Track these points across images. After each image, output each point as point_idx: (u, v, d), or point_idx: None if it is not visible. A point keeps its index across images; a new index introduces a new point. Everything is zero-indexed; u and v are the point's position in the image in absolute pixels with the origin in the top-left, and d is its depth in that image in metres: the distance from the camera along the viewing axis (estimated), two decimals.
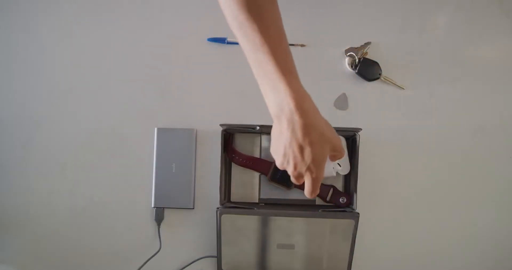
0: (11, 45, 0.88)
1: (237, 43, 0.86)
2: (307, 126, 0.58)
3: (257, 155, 0.84)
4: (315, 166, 0.60)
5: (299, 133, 0.58)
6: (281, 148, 0.60)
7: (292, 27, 0.86)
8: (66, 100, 0.87)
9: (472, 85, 0.86)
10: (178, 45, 0.87)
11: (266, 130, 0.81)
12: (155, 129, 0.85)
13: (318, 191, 0.62)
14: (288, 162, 0.60)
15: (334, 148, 0.60)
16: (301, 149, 0.59)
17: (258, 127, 0.77)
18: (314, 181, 0.61)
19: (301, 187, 0.82)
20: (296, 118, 0.57)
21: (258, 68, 0.59)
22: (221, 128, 0.78)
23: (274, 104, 0.59)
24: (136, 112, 0.87)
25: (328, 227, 0.77)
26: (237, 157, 0.83)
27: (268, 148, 0.84)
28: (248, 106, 0.86)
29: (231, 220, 0.77)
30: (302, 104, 0.58)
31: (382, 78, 0.85)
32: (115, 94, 0.87)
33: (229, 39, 0.86)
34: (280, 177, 0.82)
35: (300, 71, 0.89)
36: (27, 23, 0.88)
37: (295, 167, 0.60)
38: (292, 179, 0.62)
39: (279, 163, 0.61)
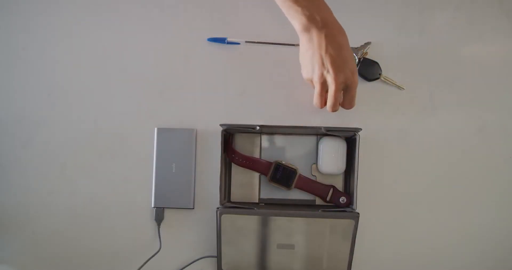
0: (11, 45, 0.88)
1: (237, 43, 0.87)
2: (337, 30, 0.69)
3: (257, 155, 0.84)
4: (354, 71, 0.70)
5: (332, 35, 0.68)
6: (316, 58, 0.69)
7: (292, 27, 0.87)
8: (66, 100, 0.87)
9: (472, 85, 0.86)
10: (178, 45, 0.87)
11: (266, 130, 0.81)
12: (155, 129, 0.85)
13: (352, 107, 0.74)
14: (327, 68, 0.68)
15: (353, 70, 0.70)
16: (337, 48, 0.68)
17: (258, 127, 0.77)
18: (354, 86, 0.71)
19: (301, 187, 0.83)
20: (329, 24, 0.68)
21: None
22: (221, 128, 0.78)
23: (303, 18, 0.68)
24: (136, 112, 0.87)
25: (328, 227, 0.77)
26: (236, 158, 0.83)
27: (268, 149, 0.84)
28: (248, 106, 0.86)
29: (231, 220, 0.77)
30: (331, 15, 0.69)
31: (382, 78, 0.85)
32: (115, 94, 0.87)
33: (229, 39, 0.86)
34: (280, 177, 0.82)
35: (300, 71, 0.89)
36: (27, 23, 0.88)
37: (335, 69, 0.68)
38: (332, 91, 0.70)
39: (316, 74, 0.70)
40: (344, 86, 0.71)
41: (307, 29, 0.69)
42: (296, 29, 0.70)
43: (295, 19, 0.69)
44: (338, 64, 0.68)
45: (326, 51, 0.68)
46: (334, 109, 0.72)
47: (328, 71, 0.69)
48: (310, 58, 0.70)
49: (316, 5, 0.68)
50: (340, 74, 0.69)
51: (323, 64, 0.69)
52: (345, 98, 0.73)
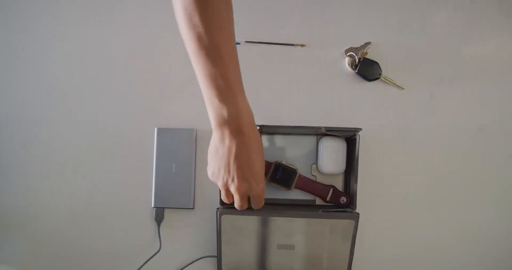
0: (11, 45, 0.88)
1: (238, 43, 0.86)
2: (252, 138, 0.63)
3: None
4: (261, 181, 0.66)
5: (245, 144, 0.62)
6: (223, 161, 0.64)
7: (292, 27, 0.87)
8: (66, 100, 0.87)
9: (472, 85, 0.86)
10: (178, 45, 0.87)
11: (266, 130, 0.81)
12: (155, 129, 0.85)
13: (260, 207, 0.70)
14: (232, 176, 0.64)
15: (258, 180, 0.66)
16: (248, 158, 0.63)
17: (258, 127, 0.77)
18: (260, 196, 0.68)
19: (301, 187, 0.83)
20: (244, 130, 0.62)
21: (208, 81, 0.60)
22: None
23: (220, 115, 0.61)
24: (136, 112, 0.87)
25: (328, 227, 0.77)
26: None
27: (268, 149, 0.84)
28: None
29: (231, 220, 0.77)
30: (249, 117, 0.63)
31: (382, 78, 0.85)
32: (115, 94, 0.87)
33: None
34: (280, 178, 0.82)
35: (300, 71, 0.89)
36: (27, 23, 0.88)
37: (240, 180, 0.64)
38: (237, 198, 0.67)
39: (220, 178, 0.66)
40: (249, 195, 0.68)
41: (220, 128, 0.63)
42: (210, 120, 0.64)
43: (212, 114, 0.63)
44: (244, 174, 0.64)
45: (235, 159, 0.63)
46: (242, 208, 0.69)
47: (232, 180, 0.65)
48: (218, 160, 0.65)
49: (237, 106, 0.61)
50: (243, 185, 0.65)
51: (229, 171, 0.64)
52: (252, 201, 0.69)
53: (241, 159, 0.63)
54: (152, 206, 0.85)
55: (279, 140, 0.84)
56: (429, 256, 0.85)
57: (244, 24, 0.86)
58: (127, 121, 0.87)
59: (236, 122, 0.61)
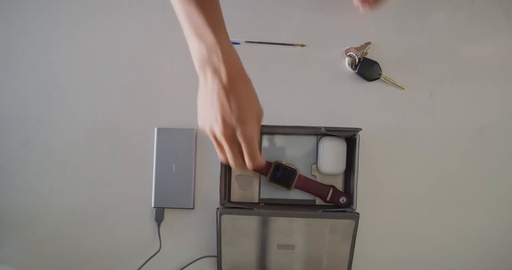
0: (11, 45, 0.88)
1: (237, 43, 0.87)
2: (234, 76, 0.57)
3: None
4: (245, 122, 0.58)
5: (225, 82, 0.57)
6: (208, 104, 0.58)
7: (292, 27, 0.87)
8: (66, 100, 0.87)
9: (472, 85, 0.86)
10: (178, 45, 0.87)
11: (266, 130, 0.81)
12: (155, 129, 0.85)
13: (256, 162, 0.60)
14: (216, 118, 0.57)
15: (259, 115, 0.60)
16: (228, 97, 0.57)
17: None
18: (247, 140, 0.58)
19: (301, 187, 0.83)
20: (223, 68, 0.57)
21: (186, 20, 0.58)
22: None
23: (200, 55, 0.58)
24: (136, 112, 0.87)
25: (328, 227, 0.77)
26: None
27: (268, 148, 0.84)
28: None
29: (231, 220, 0.77)
30: (230, 56, 0.58)
31: (382, 78, 0.85)
32: (115, 94, 0.87)
33: None
34: (280, 178, 0.82)
35: (300, 71, 0.89)
36: (27, 23, 0.88)
37: (223, 121, 0.57)
38: (225, 145, 0.59)
39: (207, 123, 0.59)
40: (238, 140, 0.59)
41: (202, 69, 0.58)
42: (194, 64, 0.60)
43: (194, 55, 0.59)
44: (226, 115, 0.57)
45: (217, 99, 0.57)
46: (237, 165, 0.61)
47: (216, 123, 0.58)
48: (203, 105, 0.60)
49: (215, 44, 0.57)
50: (227, 128, 0.58)
51: (212, 114, 0.58)
52: (245, 153, 0.60)
53: (221, 99, 0.57)
54: (152, 206, 0.85)
55: (279, 140, 0.84)
56: (429, 256, 0.85)
57: (244, 24, 0.86)
58: (127, 121, 0.87)
59: (216, 59, 0.57)
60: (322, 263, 0.79)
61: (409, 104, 0.85)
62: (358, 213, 0.76)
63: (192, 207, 0.84)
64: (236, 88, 0.58)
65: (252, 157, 0.60)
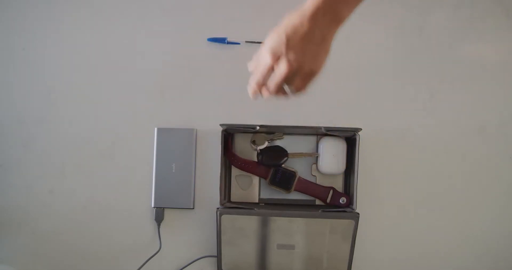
0: (11, 45, 0.88)
1: (238, 43, 0.87)
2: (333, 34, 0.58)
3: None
4: (320, 65, 0.59)
5: (329, 32, 0.57)
6: (299, 33, 0.56)
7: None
8: (66, 100, 0.87)
9: (472, 85, 0.86)
10: (178, 45, 0.87)
11: (266, 130, 0.81)
12: (155, 129, 0.85)
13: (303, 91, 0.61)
14: (296, 43, 0.57)
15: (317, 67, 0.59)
16: (323, 41, 0.57)
17: (258, 127, 0.77)
18: (312, 75, 0.59)
19: (301, 190, 0.83)
20: (340, 21, 0.57)
21: None
22: (221, 128, 0.78)
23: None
24: (136, 112, 0.87)
25: (328, 227, 0.77)
26: (235, 161, 0.83)
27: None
28: (248, 106, 0.86)
29: (231, 220, 0.77)
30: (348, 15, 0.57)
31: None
32: (115, 94, 0.87)
33: (229, 39, 0.86)
34: (279, 181, 0.82)
35: None
36: (27, 23, 0.88)
37: (304, 53, 0.57)
38: (285, 69, 0.57)
39: (281, 44, 0.57)
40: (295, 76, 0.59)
41: (323, 9, 0.56)
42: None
43: None
44: (306, 53, 0.57)
45: (315, 37, 0.57)
46: (275, 89, 0.61)
47: (288, 52, 0.57)
48: (287, 27, 0.58)
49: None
50: (299, 60, 0.57)
51: (290, 44, 0.57)
52: (296, 81, 0.60)
53: (317, 38, 0.57)
54: (152, 206, 0.85)
55: (279, 140, 0.84)
56: (429, 256, 0.85)
57: (244, 24, 0.86)
58: (127, 121, 0.87)
59: (342, 10, 0.56)
60: (322, 263, 0.79)
61: (409, 104, 0.85)
62: (358, 213, 0.76)
63: (192, 207, 0.84)
64: (331, 39, 0.58)
65: (300, 87, 0.61)
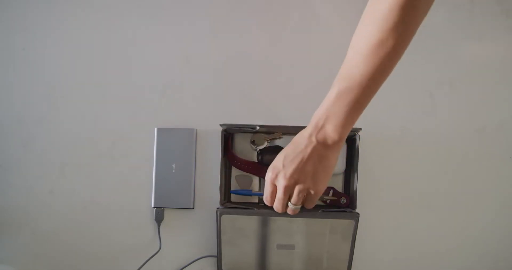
0: (11, 45, 0.88)
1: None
2: (336, 150, 0.62)
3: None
4: (320, 185, 0.63)
5: (325, 150, 0.61)
6: (296, 157, 0.61)
7: (291, 27, 0.87)
8: (66, 100, 0.87)
9: (472, 85, 0.86)
10: (178, 44, 0.87)
11: (266, 130, 0.81)
12: (155, 129, 0.85)
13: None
14: (292, 160, 0.61)
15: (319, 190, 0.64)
16: (320, 161, 0.61)
17: (258, 127, 0.77)
18: (315, 198, 0.64)
19: None
20: (336, 138, 0.60)
21: (343, 92, 0.59)
22: (221, 128, 0.78)
23: (321, 115, 0.60)
24: (136, 112, 0.87)
25: (328, 227, 0.77)
26: (235, 161, 0.83)
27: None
28: (248, 106, 0.86)
29: (231, 220, 0.77)
30: (346, 132, 0.60)
31: None
32: (115, 94, 0.87)
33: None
34: None
35: (299, 71, 0.89)
36: (27, 23, 0.88)
37: (299, 175, 0.61)
38: (282, 193, 0.63)
39: (276, 168, 0.62)
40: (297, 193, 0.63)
41: (316, 127, 0.61)
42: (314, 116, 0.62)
43: (323, 106, 0.61)
44: (303, 175, 0.62)
45: (311, 159, 0.61)
46: (279, 208, 0.65)
47: (285, 173, 0.61)
48: (288, 151, 0.63)
49: (344, 123, 0.60)
50: (294, 182, 0.62)
51: (286, 165, 0.62)
52: (305, 200, 0.65)
53: (314, 160, 0.61)
54: (152, 206, 0.85)
55: (279, 140, 0.84)
56: (429, 256, 0.85)
57: (245, 24, 0.86)
58: (127, 121, 0.87)
59: (333, 129, 0.60)
60: (322, 263, 0.79)
61: (409, 104, 0.85)
62: (358, 213, 0.76)
63: (192, 207, 0.84)
64: (328, 164, 0.62)
65: (310, 205, 0.66)
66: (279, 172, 0.62)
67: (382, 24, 0.53)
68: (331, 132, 0.60)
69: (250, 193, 0.82)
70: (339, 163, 0.82)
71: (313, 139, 0.61)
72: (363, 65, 0.56)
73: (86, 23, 0.88)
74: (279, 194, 0.63)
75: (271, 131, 0.83)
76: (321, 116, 0.60)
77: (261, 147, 0.82)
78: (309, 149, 0.61)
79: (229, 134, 0.83)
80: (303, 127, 0.79)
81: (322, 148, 0.61)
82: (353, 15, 0.87)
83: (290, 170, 0.61)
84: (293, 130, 0.82)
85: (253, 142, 0.83)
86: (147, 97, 0.87)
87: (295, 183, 0.62)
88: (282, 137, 0.83)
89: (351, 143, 0.81)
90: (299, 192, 0.62)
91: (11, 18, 0.88)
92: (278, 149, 0.82)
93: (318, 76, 0.86)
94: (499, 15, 0.86)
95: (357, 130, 0.77)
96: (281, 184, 0.62)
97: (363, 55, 0.56)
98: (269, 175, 0.63)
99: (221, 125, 0.78)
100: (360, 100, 0.59)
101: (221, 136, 0.78)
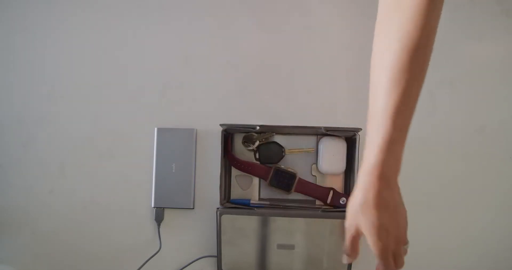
0: (11, 45, 0.88)
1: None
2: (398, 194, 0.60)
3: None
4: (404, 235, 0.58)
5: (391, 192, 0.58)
6: (390, 211, 0.58)
7: (290, 27, 0.87)
8: (66, 100, 0.87)
9: (472, 85, 0.86)
10: (178, 44, 0.87)
11: (266, 130, 0.81)
12: (155, 129, 0.85)
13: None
14: (387, 230, 0.57)
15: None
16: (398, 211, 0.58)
17: (258, 127, 0.77)
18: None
19: (301, 191, 0.82)
20: (390, 184, 0.58)
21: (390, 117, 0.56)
22: (221, 128, 0.78)
23: (373, 164, 0.56)
24: (136, 112, 0.87)
25: (328, 227, 0.77)
26: (235, 162, 0.83)
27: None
28: (248, 106, 0.86)
29: (231, 220, 0.77)
30: (396, 179, 0.58)
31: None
32: (115, 94, 0.87)
33: None
34: (279, 182, 0.81)
35: (299, 71, 0.89)
36: (27, 23, 0.88)
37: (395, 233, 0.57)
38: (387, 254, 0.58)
39: (353, 216, 0.58)
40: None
41: (375, 172, 0.57)
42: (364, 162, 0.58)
43: (369, 154, 0.57)
44: (384, 219, 0.58)
45: (397, 210, 0.59)
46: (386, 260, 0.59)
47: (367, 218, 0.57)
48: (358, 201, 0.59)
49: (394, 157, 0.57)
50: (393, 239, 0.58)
51: (367, 213, 0.58)
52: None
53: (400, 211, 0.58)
54: (152, 206, 0.85)
55: (279, 140, 0.84)
56: (429, 256, 0.85)
57: (244, 24, 0.86)
58: (127, 121, 0.87)
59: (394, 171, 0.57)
60: (322, 263, 0.79)
61: None
62: None
63: (192, 207, 0.84)
64: (399, 203, 0.61)
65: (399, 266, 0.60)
66: (357, 214, 0.59)
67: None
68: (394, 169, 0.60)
69: (248, 204, 0.82)
70: (339, 163, 0.82)
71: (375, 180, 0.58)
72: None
73: (86, 23, 0.88)
74: (375, 238, 0.59)
75: (271, 131, 0.83)
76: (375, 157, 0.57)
77: (253, 146, 0.82)
78: (383, 192, 0.60)
79: (229, 134, 0.83)
80: (303, 127, 0.79)
81: (386, 188, 0.60)
82: (353, 15, 0.87)
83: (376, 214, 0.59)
84: (293, 130, 0.82)
85: (244, 143, 0.83)
86: (147, 97, 0.87)
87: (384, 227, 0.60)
88: (273, 135, 0.83)
89: (351, 143, 0.81)
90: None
91: (11, 18, 0.88)
92: (275, 145, 0.82)
93: (318, 76, 0.86)
94: (499, 15, 0.86)
95: (357, 130, 0.77)
96: (367, 228, 0.59)
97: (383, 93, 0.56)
98: (347, 221, 0.60)
99: (221, 125, 0.78)
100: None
101: (221, 136, 0.78)
